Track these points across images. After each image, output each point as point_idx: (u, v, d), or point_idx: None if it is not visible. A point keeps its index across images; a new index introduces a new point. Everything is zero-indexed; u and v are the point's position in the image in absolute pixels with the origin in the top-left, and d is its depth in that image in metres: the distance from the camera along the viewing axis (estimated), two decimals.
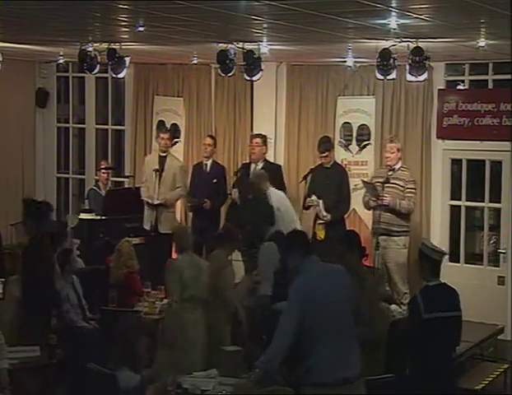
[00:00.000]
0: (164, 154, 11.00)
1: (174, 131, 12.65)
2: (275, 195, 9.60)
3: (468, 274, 10.49)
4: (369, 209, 10.01)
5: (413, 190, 9.75)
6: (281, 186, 10.44)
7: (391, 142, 9.94)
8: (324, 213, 9.92)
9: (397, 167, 9.78)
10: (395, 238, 9.60)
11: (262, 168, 10.44)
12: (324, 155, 10.14)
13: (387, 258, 9.62)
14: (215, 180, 10.96)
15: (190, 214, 11.39)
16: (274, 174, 10.39)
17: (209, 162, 11.13)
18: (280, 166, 10.90)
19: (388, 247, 9.59)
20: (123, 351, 5.40)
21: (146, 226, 10.82)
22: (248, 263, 10.22)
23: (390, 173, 9.73)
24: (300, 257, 5.39)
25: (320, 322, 5.14)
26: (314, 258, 5.42)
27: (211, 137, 11.38)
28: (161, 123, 12.72)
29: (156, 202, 10.75)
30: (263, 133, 10.99)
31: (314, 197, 9.96)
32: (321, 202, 9.92)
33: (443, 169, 10.69)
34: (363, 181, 10.06)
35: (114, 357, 5.46)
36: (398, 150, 9.84)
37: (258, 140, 10.64)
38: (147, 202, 10.84)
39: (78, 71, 13.16)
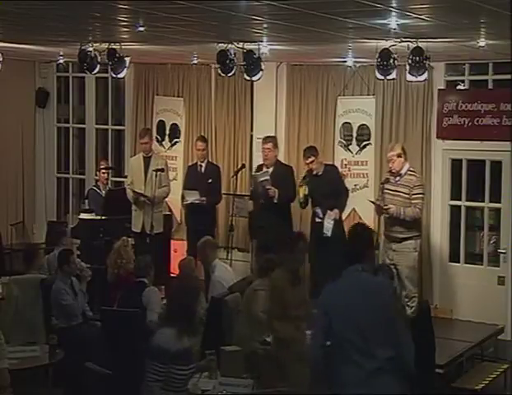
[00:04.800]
0: (148, 154, 10.98)
1: (174, 131, 12.68)
2: (219, 268, 9.00)
3: (468, 274, 10.50)
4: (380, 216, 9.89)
5: (420, 195, 9.35)
6: (291, 187, 10.31)
7: (390, 151, 9.59)
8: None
9: (403, 172, 9.41)
10: (405, 242, 9.41)
11: (273, 170, 10.32)
12: (309, 161, 10.03)
13: (397, 261, 9.42)
14: (210, 180, 10.92)
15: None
16: (285, 175, 10.33)
17: (204, 163, 11.10)
18: (291, 167, 10.70)
19: (398, 250, 9.42)
20: (178, 314, 5.33)
21: (136, 228, 10.71)
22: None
23: (397, 178, 9.41)
24: (347, 263, 5.02)
25: (343, 336, 4.83)
26: (357, 267, 4.97)
27: (202, 139, 11.26)
28: (161, 123, 12.74)
29: (138, 191, 10.65)
30: (273, 135, 10.96)
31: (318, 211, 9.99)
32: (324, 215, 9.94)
33: (443, 169, 10.69)
34: (370, 201, 9.90)
35: (166, 316, 5.38)
36: (399, 155, 9.41)
37: (269, 145, 10.40)
38: (135, 199, 10.70)
39: (78, 71, 13.18)
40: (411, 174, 9.46)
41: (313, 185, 10.05)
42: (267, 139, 10.60)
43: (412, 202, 9.31)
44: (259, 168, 10.63)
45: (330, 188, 9.95)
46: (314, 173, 10.09)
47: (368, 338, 4.80)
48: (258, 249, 10.36)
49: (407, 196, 9.32)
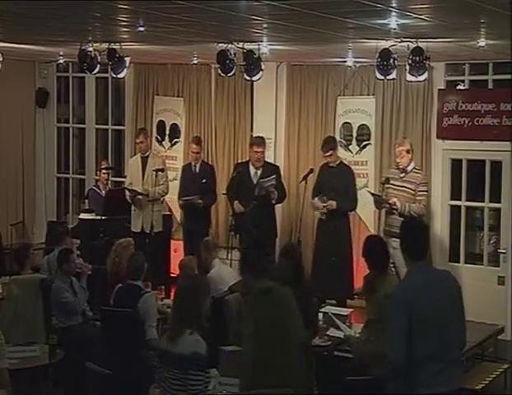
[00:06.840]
0: (145, 154, 10.99)
1: (174, 131, 12.67)
2: (218, 266, 8.97)
3: (468, 274, 10.48)
4: (379, 209, 9.94)
5: (425, 192, 9.57)
6: (282, 187, 10.52)
7: (399, 146, 9.71)
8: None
9: (409, 168, 9.56)
10: None
11: (263, 171, 10.42)
12: (328, 154, 10.14)
13: (395, 258, 9.43)
14: (204, 180, 10.93)
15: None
16: (273, 175, 10.39)
17: (198, 163, 11.10)
18: (278, 167, 10.86)
19: (396, 247, 9.40)
20: (187, 313, 5.27)
21: (136, 228, 10.70)
22: None
23: (402, 175, 9.56)
24: (409, 259, 5.14)
25: (418, 335, 4.83)
26: (422, 264, 5.12)
27: (197, 142, 11.20)
28: (161, 123, 12.74)
29: (131, 188, 10.69)
30: (261, 135, 10.95)
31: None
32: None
33: (443, 169, 10.69)
34: (369, 192, 9.98)
35: (176, 322, 5.34)
36: (408, 151, 9.58)
37: (262, 147, 10.52)
38: (132, 198, 10.71)
39: (78, 71, 13.18)
40: (417, 172, 9.65)
41: (324, 175, 10.20)
42: (259, 141, 10.64)
43: (417, 198, 9.48)
44: (240, 165, 10.72)
45: (339, 183, 10.01)
46: (330, 165, 10.19)
47: (445, 329, 4.94)
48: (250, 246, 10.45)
49: (412, 192, 9.48)
